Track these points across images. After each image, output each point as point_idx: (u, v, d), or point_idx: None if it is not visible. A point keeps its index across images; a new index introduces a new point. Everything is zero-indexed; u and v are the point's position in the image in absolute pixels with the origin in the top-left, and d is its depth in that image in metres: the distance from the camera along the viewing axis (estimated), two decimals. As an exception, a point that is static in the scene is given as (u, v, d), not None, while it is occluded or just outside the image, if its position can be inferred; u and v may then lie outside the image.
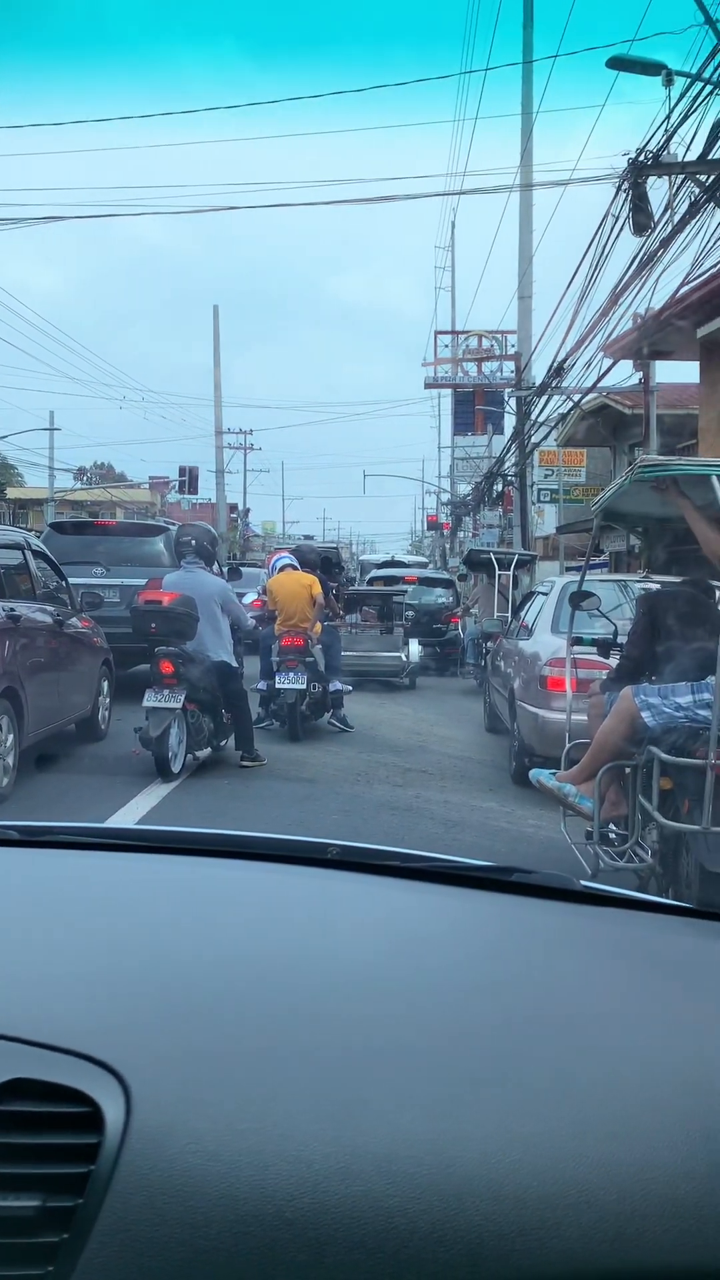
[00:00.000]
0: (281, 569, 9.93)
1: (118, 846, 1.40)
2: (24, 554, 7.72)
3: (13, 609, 6.90)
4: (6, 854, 1.33)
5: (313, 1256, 0.65)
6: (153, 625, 7.23)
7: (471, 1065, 0.81)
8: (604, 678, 5.11)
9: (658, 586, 6.43)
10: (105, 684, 9.02)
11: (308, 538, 53.35)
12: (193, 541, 8.08)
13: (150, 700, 7.00)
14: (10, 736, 6.57)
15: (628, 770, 4.34)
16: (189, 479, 33.63)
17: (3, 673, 6.50)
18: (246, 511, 54.30)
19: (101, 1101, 0.71)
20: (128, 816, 6.08)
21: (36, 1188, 0.68)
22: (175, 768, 7.11)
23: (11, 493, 44.17)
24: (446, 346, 31.42)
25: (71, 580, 8.99)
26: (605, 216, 10.58)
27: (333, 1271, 0.64)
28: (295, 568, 9.87)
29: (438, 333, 32.63)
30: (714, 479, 3.79)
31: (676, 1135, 0.74)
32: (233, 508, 47.27)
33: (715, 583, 4.82)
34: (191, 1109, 0.72)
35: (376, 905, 1.19)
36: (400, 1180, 0.68)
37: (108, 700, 9.09)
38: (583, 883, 1.29)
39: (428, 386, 33.54)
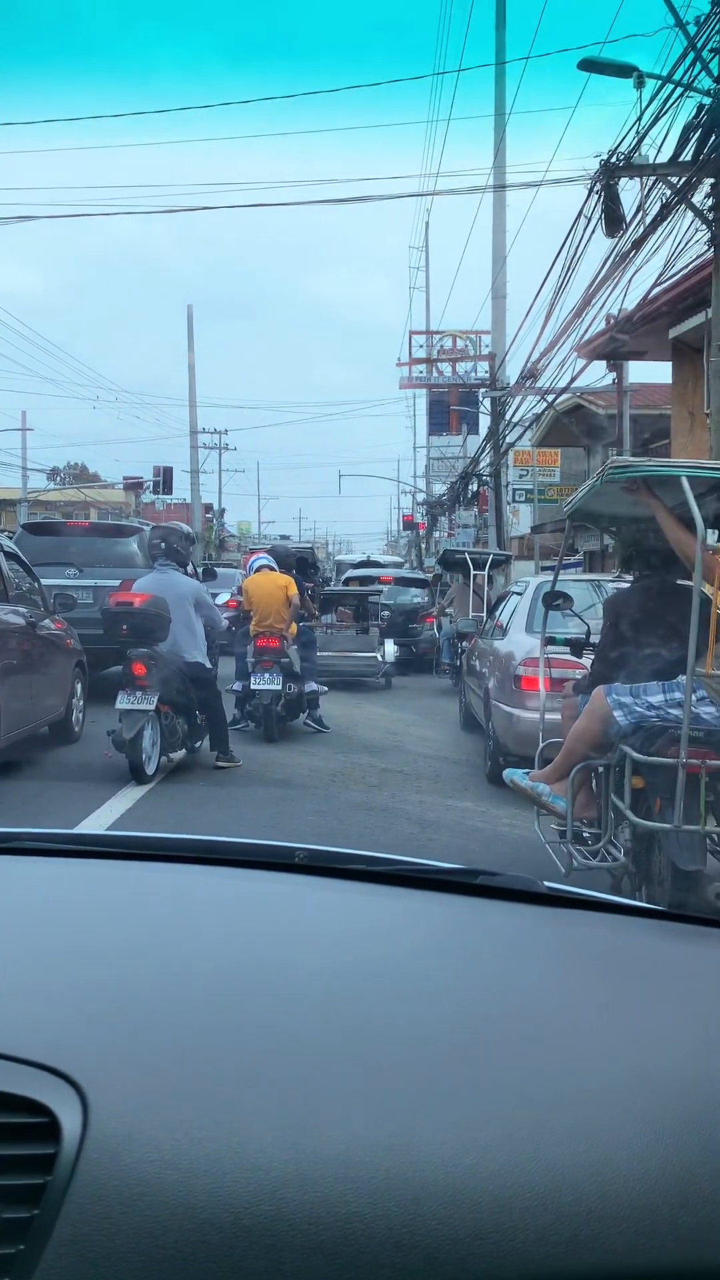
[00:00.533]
0: (258, 569, 9.91)
1: (81, 853, 1.39)
2: None
3: None
4: None
5: (270, 1264, 0.64)
6: (124, 627, 7.19)
7: (430, 1071, 0.81)
8: (577, 680, 5.14)
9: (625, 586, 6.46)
10: (79, 686, 8.96)
11: (284, 538, 53.28)
12: (162, 544, 8.05)
13: (123, 702, 6.96)
14: None
15: (600, 769, 4.36)
16: (163, 479, 33.47)
17: None
18: (222, 512, 54.21)
19: (58, 1111, 0.71)
20: (101, 820, 6.04)
21: None
22: (149, 770, 7.07)
23: (-16, 493, 43.79)
24: (421, 347, 31.46)
25: (44, 581, 8.93)
26: (578, 217, 10.65)
27: (290, 1278, 0.64)
28: (272, 568, 9.85)
29: (412, 333, 32.69)
30: (683, 480, 3.81)
31: (632, 1137, 0.75)
32: (208, 508, 47.14)
33: (683, 582, 4.85)
34: (149, 1118, 0.72)
35: (340, 911, 1.19)
36: (358, 1186, 0.68)
37: (81, 702, 9.03)
38: (548, 884, 1.30)
39: (403, 387, 33.62)
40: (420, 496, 43.86)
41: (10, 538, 10.04)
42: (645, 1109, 0.78)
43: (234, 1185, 0.67)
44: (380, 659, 14.02)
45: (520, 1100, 0.78)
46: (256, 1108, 0.74)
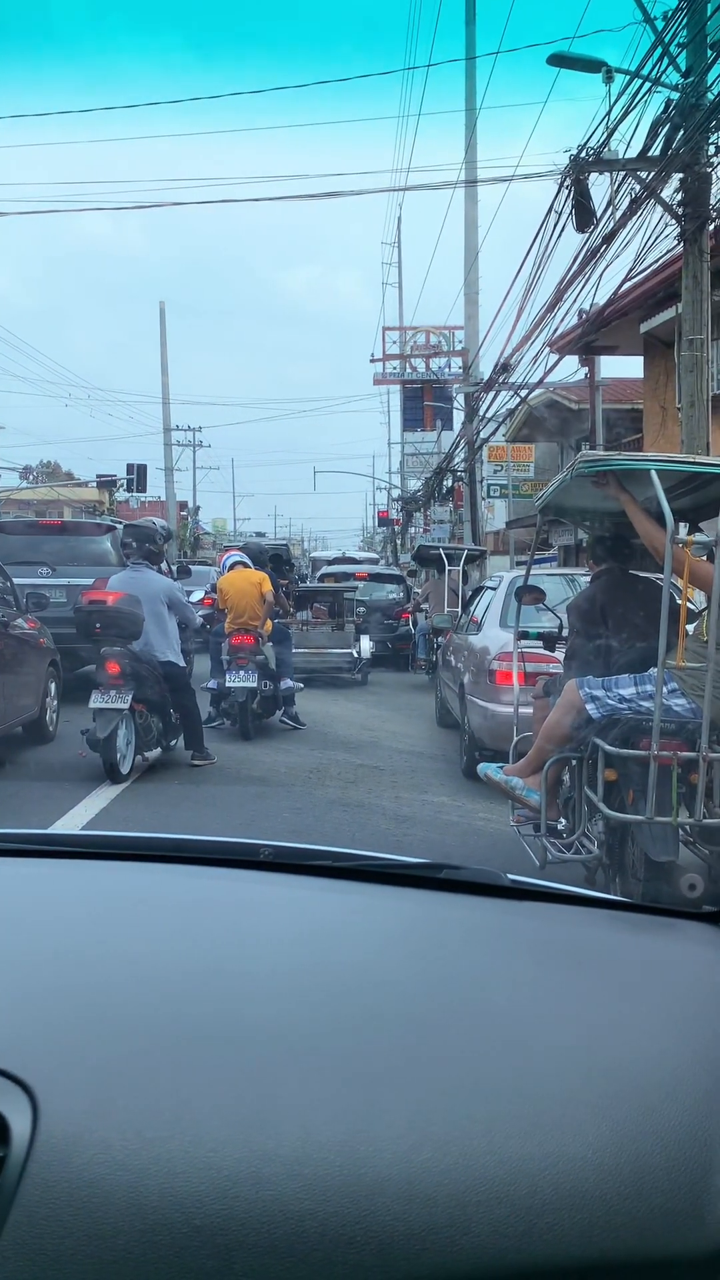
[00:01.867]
0: (232, 567, 9.88)
1: (43, 853, 1.38)
2: None
3: None
4: None
5: (222, 1263, 0.64)
6: (97, 625, 7.15)
7: (385, 1066, 0.81)
8: (548, 680, 5.15)
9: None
10: (53, 685, 8.92)
11: (259, 534, 53.15)
12: (135, 542, 8.01)
13: (97, 701, 6.93)
14: None
15: (573, 762, 4.37)
16: (137, 476, 33.25)
17: None
18: (196, 509, 53.97)
19: (7, 1113, 0.70)
20: (76, 820, 6.01)
21: None
22: (124, 769, 7.04)
23: (-44, 493, 43.40)
24: (395, 343, 31.48)
25: (17, 581, 8.86)
26: (549, 213, 10.66)
27: (242, 1277, 0.64)
28: (246, 565, 9.82)
29: (385, 329, 32.69)
30: (653, 473, 3.83)
31: (587, 1128, 0.75)
32: (183, 506, 46.94)
33: (644, 574, 4.88)
34: (100, 1119, 0.71)
35: (301, 907, 1.18)
36: (311, 1183, 0.68)
37: (55, 702, 8.98)
38: (510, 877, 1.30)
39: (376, 383, 33.60)
40: (395, 493, 43.88)
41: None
42: (599, 1100, 0.78)
43: (186, 1185, 0.67)
44: (356, 655, 14.02)
45: (476, 1094, 0.78)
46: (210, 1107, 0.73)
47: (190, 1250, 0.64)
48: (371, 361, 32.05)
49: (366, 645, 14.37)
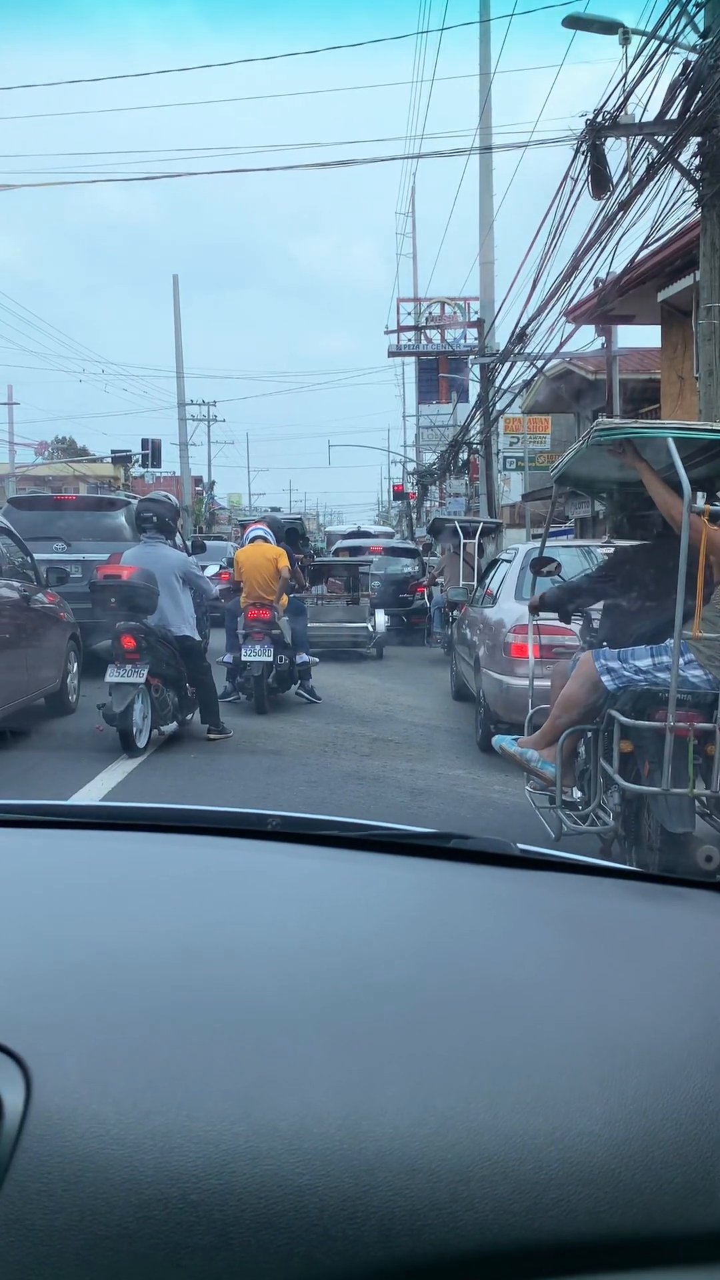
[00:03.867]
0: (252, 541, 9.86)
1: (48, 824, 1.37)
2: None
3: None
4: None
5: (219, 1238, 0.63)
6: (112, 600, 7.19)
7: (387, 1038, 0.80)
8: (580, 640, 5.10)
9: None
10: (73, 658, 9.00)
11: (274, 509, 53.06)
12: (153, 516, 8.00)
13: (113, 676, 6.96)
14: None
15: (589, 734, 4.35)
16: (152, 452, 33.21)
17: None
18: (211, 484, 53.91)
19: (0, 1087, 0.69)
20: (93, 792, 6.04)
21: None
22: (140, 743, 7.08)
23: (-29, 469, 43.50)
24: (409, 314, 31.18)
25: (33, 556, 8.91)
26: (565, 179, 10.50)
27: (240, 1252, 0.63)
28: (266, 540, 9.79)
29: (400, 300, 32.38)
30: (670, 441, 3.78)
31: (595, 1103, 0.73)
32: (198, 480, 46.88)
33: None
34: (95, 1093, 0.70)
35: (307, 877, 1.17)
36: (310, 1158, 0.67)
37: (76, 675, 9.06)
38: (520, 846, 1.28)
39: (391, 355, 33.27)
40: (410, 466, 43.66)
41: (-3, 513, 10.00)
42: (608, 1074, 0.76)
43: (182, 1160, 0.66)
44: (371, 629, 14.00)
45: (480, 1067, 0.76)
46: (206, 1080, 0.72)
47: (187, 1226, 0.63)
48: (386, 333, 31.76)
49: (382, 619, 14.35)
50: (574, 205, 10.65)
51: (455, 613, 11.43)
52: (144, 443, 33.28)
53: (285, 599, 9.77)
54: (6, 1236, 0.62)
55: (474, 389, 24.41)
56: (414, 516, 40.35)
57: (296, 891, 1.12)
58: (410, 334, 31.08)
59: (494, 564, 9.97)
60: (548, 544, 6.23)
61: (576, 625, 5.51)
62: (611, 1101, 0.73)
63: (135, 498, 12.36)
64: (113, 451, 37.87)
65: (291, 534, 11.52)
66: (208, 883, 1.14)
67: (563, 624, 5.79)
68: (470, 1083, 0.74)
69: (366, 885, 1.16)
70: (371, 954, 0.95)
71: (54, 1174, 0.65)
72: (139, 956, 0.91)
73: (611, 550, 5.59)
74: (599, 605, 5.13)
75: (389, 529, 35.91)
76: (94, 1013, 0.81)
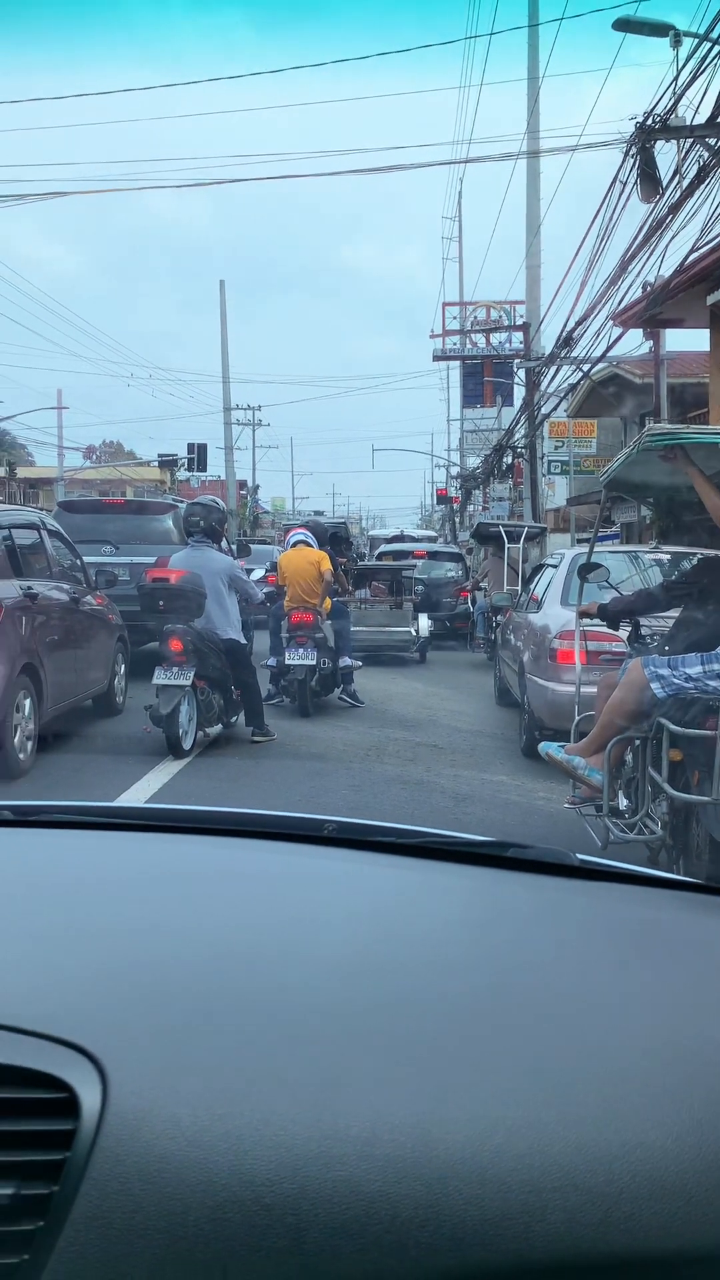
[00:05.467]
0: (294, 545, 9.91)
1: (109, 825, 1.39)
2: (40, 533, 7.83)
3: (30, 587, 6.99)
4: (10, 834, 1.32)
5: (293, 1242, 0.64)
6: (160, 603, 7.27)
7: (457, 1047, 0.80)
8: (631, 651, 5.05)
9: (668, 557, 6.36)
10: (121, 660, 9.10)
11: (317, 513, 53.19)
12: (201, 520, 8.08)
13: (160, 678, 7.03)
14: (30, 712, 6.64)
15: (637, 742, 4.31)
16: (198, 456, 33.45)
17: (22, 650, 6.59)
18: (255, 488, 54.18)
19: (77, 1087, 0.70)
20: (139, 794, 6.10)
21: (10, 1175, 0.67)
22: (186, 745, 7.14)
23: (21, 472, 44.14)
24: (455, 318, 31.12)
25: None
26: (613, 182, 10.42)
27: (314, 1257, 0.63)
28: (309, 544, 9.83)
29: (445, 304, 32.33)
30: (722, 447, 3.74)
31: (667, 1115, 0.73)
32: (242, 484, 47.14)
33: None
34: (170, 1094, 0.71)
35: (368, 883, 1.17)
36: (382, 1165, 0.67)
37: (123, 676, 9.17)
38: (579, 857, 1.27)
39: (436, 359, 33.26)
40: (454, 470, 43.54)
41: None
42: (678, 1087, 0.76)
43: (255, 1163, 0.67)
44: (414, 633, 13.98)
45: (549, 1078, 0.76)
46: (278, 1084, 0.73)
47: (261, 1229, 0.64)
48: (431, 337, 31.74)
49: (425, 623, 14.32)
50: (622, 208, 10.58)
51: (499, 618, 11.39)
52: (190, 447, 33.51)
53: (329, 603, 9.80)
54: (86, 1233, 0.63)
55: (519, 393, 24.29)
56: (457, 521, 40.23)
57: (359, 898, 1.13)
58: (455, 338, 31.03)
59: (539, 569, 9.91)
60: (595, 549, 6.18)
61: (624, 632, 5.46)
62: (682, 1115, 0.73)
63: (182, 501, 12.47)
64: (159, 455, 38.18)
65: (335, 538, 11.55)
66: (272, 887, 1.14)
67: (610, 630, 5.74)
68: (539, 1093, 0.74)
69: (428, 893, 1.16)
70: (437, 961, 0.95)
71: (131, 1173, 0.66)
72: (207, 960, 0.92)
73: (667, 557, 5.54)
74: (659, 614, 5.07)
75: (432, 533, 35.80)
76: (164, 1015, 0.82)
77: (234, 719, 8.08)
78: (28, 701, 6.64)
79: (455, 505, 41.42)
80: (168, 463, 37.03)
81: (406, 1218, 0.65)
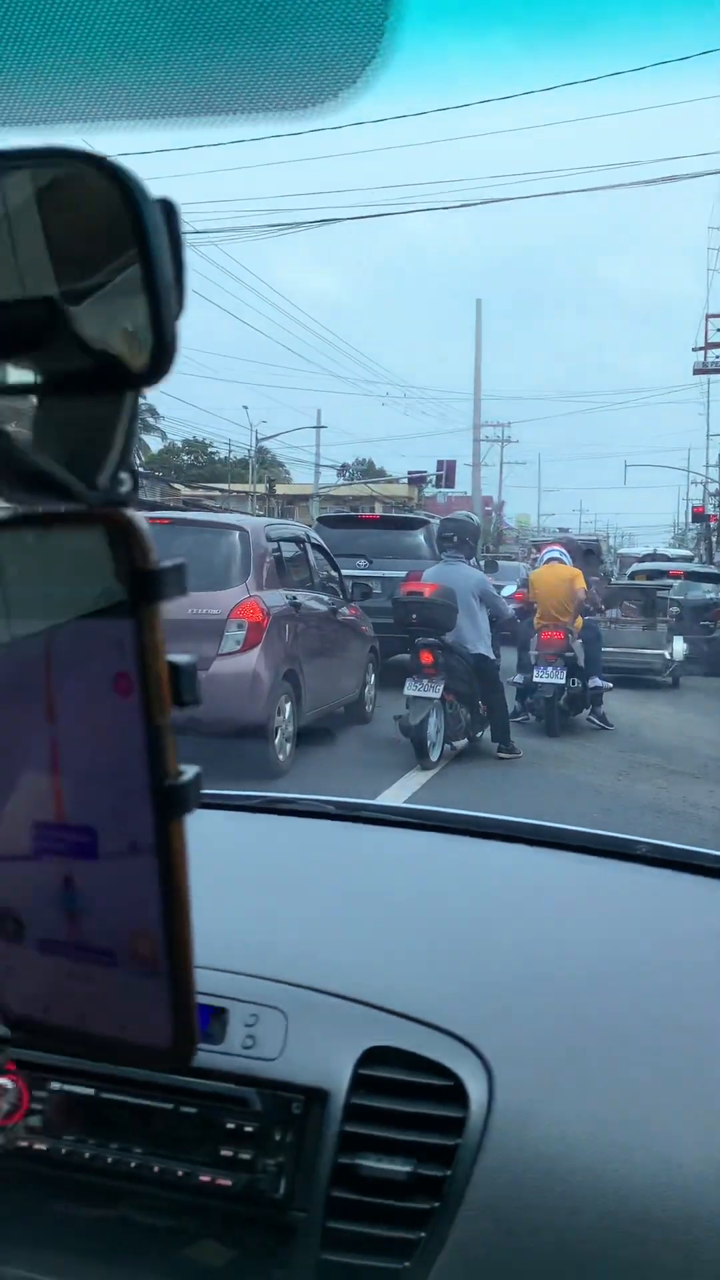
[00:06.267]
0: (548, 562, 9.79)
1: (440, 829, 1.42)
2: (304, 546, 8.22)
3: (294, 597, 7.34)
4: (347, 829, 1.38)
5: (685, 1262, 0.61)
6: (413, 616, 7.39)
7: None
8: None
9: None
10: (371, 670, 9.35)
11: (563, 530, 52.38)
12: (454, 535, 8.16)
13: (411, 689, 7.15)
14: (290, 715, 6.95)
15: None
16: (446, 473, 33.93)
17: (285, 655, 6.92)
18: (501, 505, 54.14)
19: (464, 1077, 0.72)
20: (391, 799, 6.22)
21: (407, 1154, 0.69)
22: (433, 756, 7.22)
23: (280, 489, 46.41)
24: (718, 330, 29.80)
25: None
26: None
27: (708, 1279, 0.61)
28: (562, 560, 9.69)
29: (709, 316, 31.01)
30: None
31: None
32: (488, 501, 47.24)
33: None
34: (553, 1097, 0.71)
35: (706, 906, 1.14)
36: None
37: (374, 686, 9.41)
38: None
39: (696, 372, 32.03)
40: (713, 487, 41.59)
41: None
42: None
43: (645, 1177, 0.65)
44: (668, 656, 13.43)
45: None
46: (666, 1102, 0.71)
47: (652, 1243, 0.62)
48: (693, 350, 30.57)
49: (680, 646, 13.71)
50: None
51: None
52: (439, 464, 34.05)
53: (580, 621, 9.60)
54: (479, 1222, 0.64)
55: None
56: (714, 540, 38.37)
57: (699, 920, 1.09)
58: (718, 350, 29.69)
59: None
60: None
61: None
62: None
63: (434, 517, 12.66)
64: (409, 473, 38.99)
65: (589, 555, 11.31)
66: (626, 905, 1.13)
67: None
68: None
69: None
70: None
71: (520, 1168, 0.66)
72: (585, 972, 0.92)
73: None
74: None
75: (687, 552, 34.36)
76: (547, 1021, 0.82)
77: (479, 734, 8.07)
78: (288, 705, 6.97)
79: (712, 524, 39.54)
80: (416, 480, 37.71)
81: None
